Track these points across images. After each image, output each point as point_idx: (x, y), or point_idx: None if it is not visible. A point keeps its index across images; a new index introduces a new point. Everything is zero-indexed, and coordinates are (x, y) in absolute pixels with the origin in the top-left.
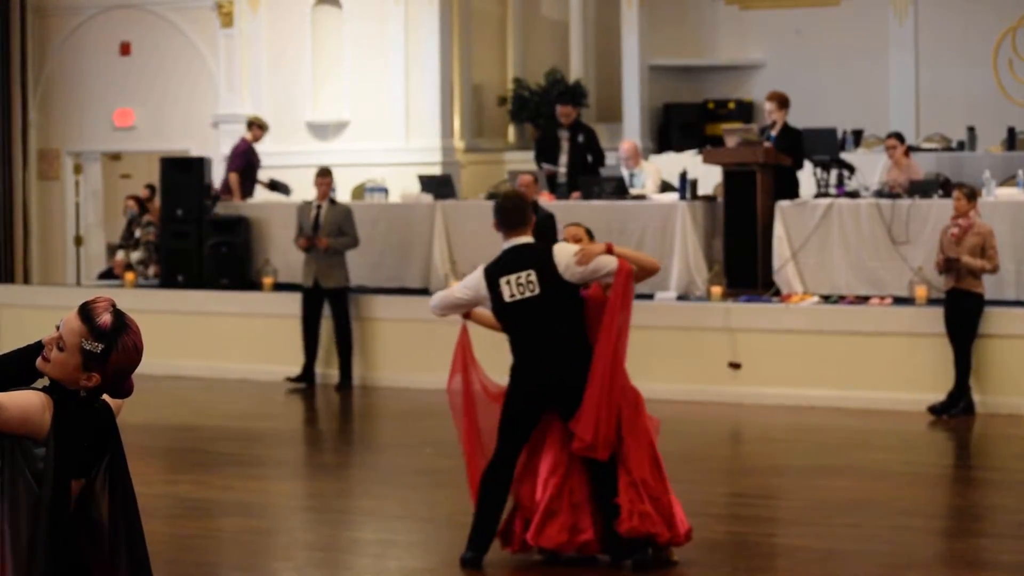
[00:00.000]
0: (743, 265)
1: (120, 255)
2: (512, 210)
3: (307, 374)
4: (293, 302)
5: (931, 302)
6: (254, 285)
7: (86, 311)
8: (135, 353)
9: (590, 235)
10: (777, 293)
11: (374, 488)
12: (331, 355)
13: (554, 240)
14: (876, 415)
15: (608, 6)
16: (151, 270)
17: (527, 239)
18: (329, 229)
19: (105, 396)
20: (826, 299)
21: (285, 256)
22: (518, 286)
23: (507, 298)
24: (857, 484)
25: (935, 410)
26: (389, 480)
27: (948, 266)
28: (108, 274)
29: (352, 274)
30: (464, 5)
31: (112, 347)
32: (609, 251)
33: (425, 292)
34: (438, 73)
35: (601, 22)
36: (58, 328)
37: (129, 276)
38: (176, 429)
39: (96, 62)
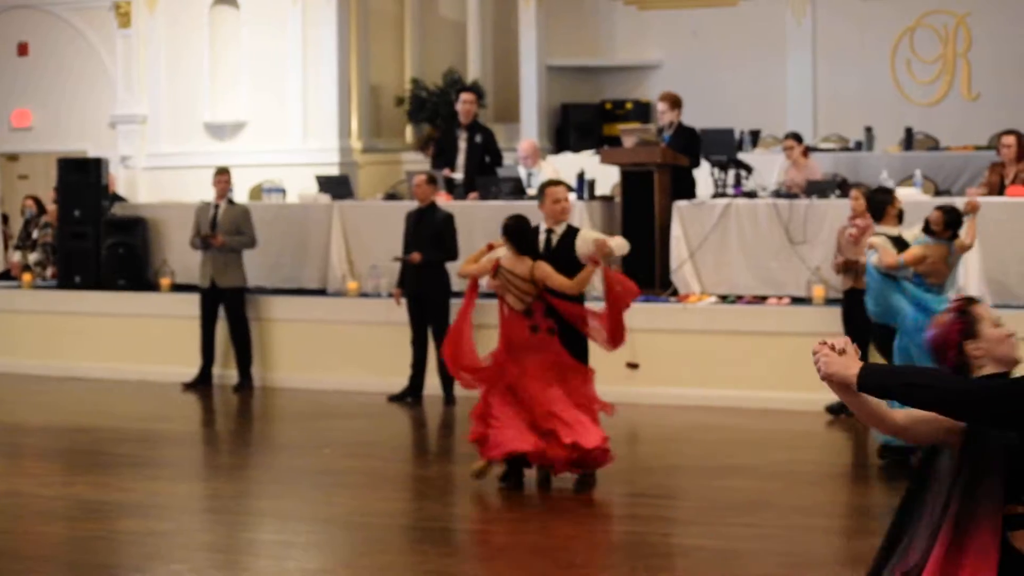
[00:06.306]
0: (641, 265)
1: (17, 256)
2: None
3: (204, 375)
4: (191, 303)
5: (828, 302)
6: (151, 286)
7: None
8: None
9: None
10: (675, 293)
11: (272, 489)
12: (229, 356)
13: (454, 241)
14: (774, 415)
15: (506, 6)
16: (48, 271)
17: None
18: (227, 229)
19: None
20: (724, 299)
21: (182, 257)
22: None
23: None
24: (755, 484)
25: (833, 410)
26: (287, 481)
27: (846, 267)
28: (5, 275)
29: (249, 275)
30: (362, 5)
31: None
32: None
33: (322, 293)
34: (335, 73)
35: (499, 22)
36: None
37: (26, 277)
38: (74, 430)
39: None
